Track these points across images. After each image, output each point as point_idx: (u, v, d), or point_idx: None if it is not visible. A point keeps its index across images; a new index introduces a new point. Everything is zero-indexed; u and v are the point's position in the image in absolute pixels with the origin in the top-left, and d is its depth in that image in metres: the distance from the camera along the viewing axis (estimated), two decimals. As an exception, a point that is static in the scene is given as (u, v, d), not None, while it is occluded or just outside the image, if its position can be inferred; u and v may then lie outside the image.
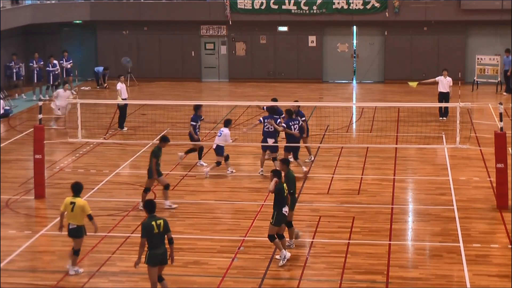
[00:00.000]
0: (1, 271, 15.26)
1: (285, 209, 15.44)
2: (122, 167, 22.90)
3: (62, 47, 38.15)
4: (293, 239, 16.36)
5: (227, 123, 22.22)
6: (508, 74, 33.73)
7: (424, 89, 32.03)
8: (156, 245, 13.61)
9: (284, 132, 21.62)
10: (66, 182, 21.42)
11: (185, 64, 38.35)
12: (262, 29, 37.62)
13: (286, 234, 15.99)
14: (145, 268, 15.48)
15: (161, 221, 13.66)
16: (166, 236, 13.73)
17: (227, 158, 22.00)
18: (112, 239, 16.97)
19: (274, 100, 23.97)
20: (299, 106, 22.61)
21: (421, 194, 20.34)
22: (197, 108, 22.49)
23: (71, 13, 37.86)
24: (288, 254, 15.56)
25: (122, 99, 26.91)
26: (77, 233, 15.04)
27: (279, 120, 21.69)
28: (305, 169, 21.66)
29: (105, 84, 36.38)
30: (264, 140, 21.79)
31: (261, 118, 22.10)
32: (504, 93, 33.83)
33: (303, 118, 22.25)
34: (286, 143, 21.52)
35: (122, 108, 27.40)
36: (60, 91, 28.35)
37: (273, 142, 21.70)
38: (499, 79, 34.41)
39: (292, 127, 21.33)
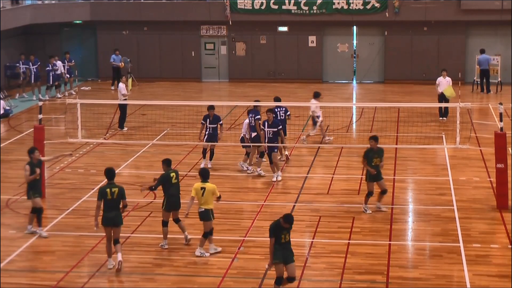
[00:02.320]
0: (1, 271, 15.26)
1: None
2: (122, 167, 22.88)
3: (62, 47, 38.12)
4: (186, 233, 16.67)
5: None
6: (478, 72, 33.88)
7: (424, 89, 31.99)
8: (108, 210, 15.17)
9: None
10: (66, 182, 21.46)
11: (185, 64, 38.33)
12: (262, 29, 37.60)
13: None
14: (144, 268, 15.51)
15: (116, 189, 15.20)
16: (122, 202, 15.26)
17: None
18: (112, 239, 16.95)
19: (257, 101, 23.89)
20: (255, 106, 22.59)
21: (421, 194, 20.33)
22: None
23: (71, 13, 37.83)
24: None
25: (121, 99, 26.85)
26: (205, 216, 15.96)
27: (258, 116, 21.97)
28: (287, 153, 23.00)
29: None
30: (249, 135, 21.99)
31: (249, 117, 22.04)
32: (481, 93, 33.91)
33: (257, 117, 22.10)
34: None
35: (123, 108, 27.33)
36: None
37: (255, 135, 21.77)
38: (499, 79, 34.38)
39: (278, 113, 22.42)
